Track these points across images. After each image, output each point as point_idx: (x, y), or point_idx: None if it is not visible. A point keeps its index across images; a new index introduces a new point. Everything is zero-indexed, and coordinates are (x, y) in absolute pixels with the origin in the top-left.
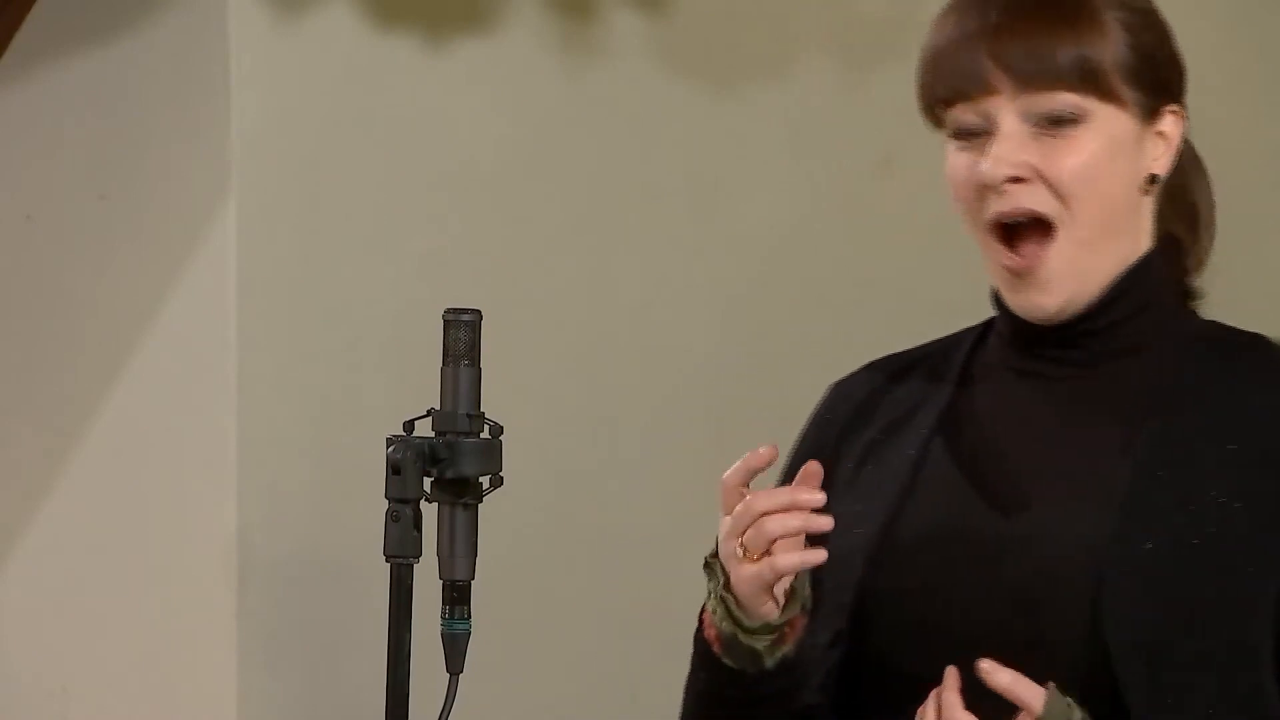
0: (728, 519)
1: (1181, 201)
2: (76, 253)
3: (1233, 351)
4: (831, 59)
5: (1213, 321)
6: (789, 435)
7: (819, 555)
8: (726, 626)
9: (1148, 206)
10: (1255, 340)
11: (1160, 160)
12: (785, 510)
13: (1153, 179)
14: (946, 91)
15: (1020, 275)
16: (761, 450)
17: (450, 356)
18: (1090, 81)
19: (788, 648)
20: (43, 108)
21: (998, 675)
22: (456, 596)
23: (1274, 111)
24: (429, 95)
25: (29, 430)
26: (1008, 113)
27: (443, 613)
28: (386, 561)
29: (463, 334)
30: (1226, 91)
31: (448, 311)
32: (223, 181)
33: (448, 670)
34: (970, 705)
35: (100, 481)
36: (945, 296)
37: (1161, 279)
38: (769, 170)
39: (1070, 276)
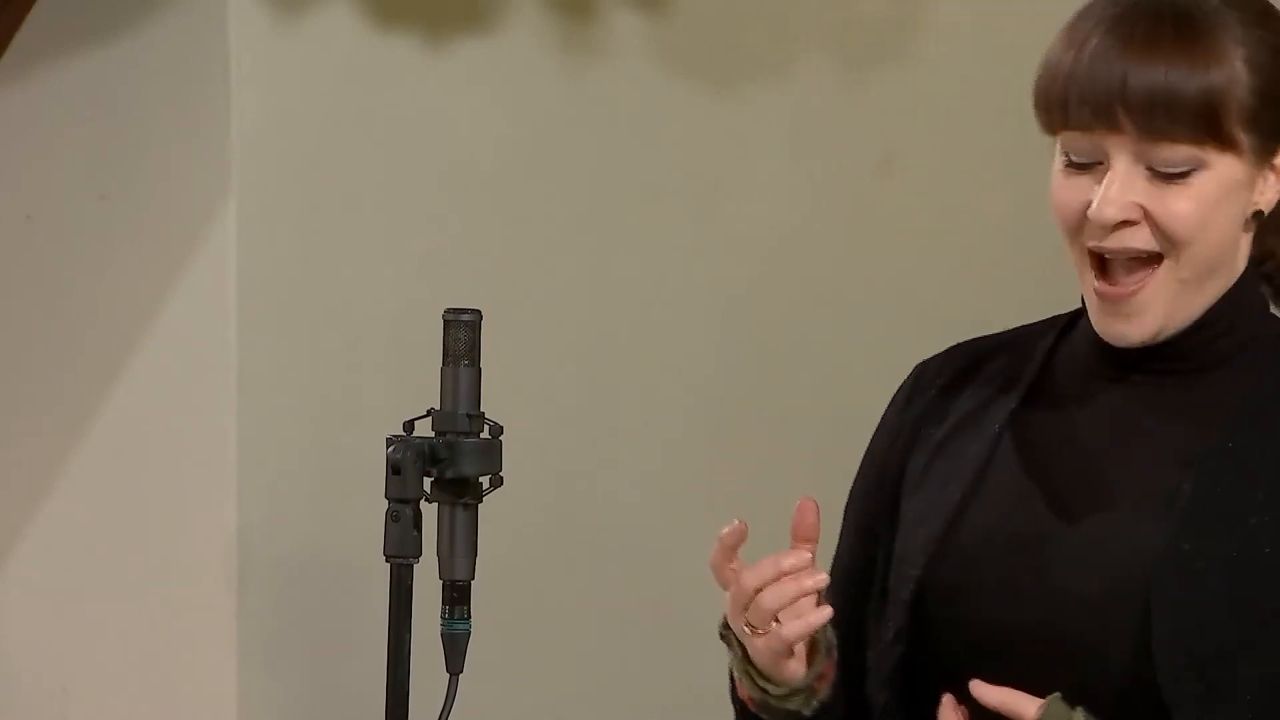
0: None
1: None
2: (76, 253)
3: None
4: (831, 59)
5: None
6: (789, 434)
7: (824, 614)
8: (756, 694)
9: (1249, 236)
10: None
11: (1266, 195)
12: (777, 580)
13: (1258, 214)
14: (1075, 117)
15: (1112, 301)
16: (727, 530)
17: (450, 356)
18: (1211, 129)
19: (823, 695)
20: (43, 108)
21: (989, 694)
22: (456, 596)
23: None
24: (429, 95)
25: (29, 430)
26: (1124, 154)
27: (443, 613)
28: (386, 561)
29: (463, 334)
30: None
31: (448, 311)
32: (223, 181)
33: (448, 670)
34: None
35: (100, 481)
36: (945, 296)
37: (1252, 301)
38: (769, 170)
39: (1163, 312)
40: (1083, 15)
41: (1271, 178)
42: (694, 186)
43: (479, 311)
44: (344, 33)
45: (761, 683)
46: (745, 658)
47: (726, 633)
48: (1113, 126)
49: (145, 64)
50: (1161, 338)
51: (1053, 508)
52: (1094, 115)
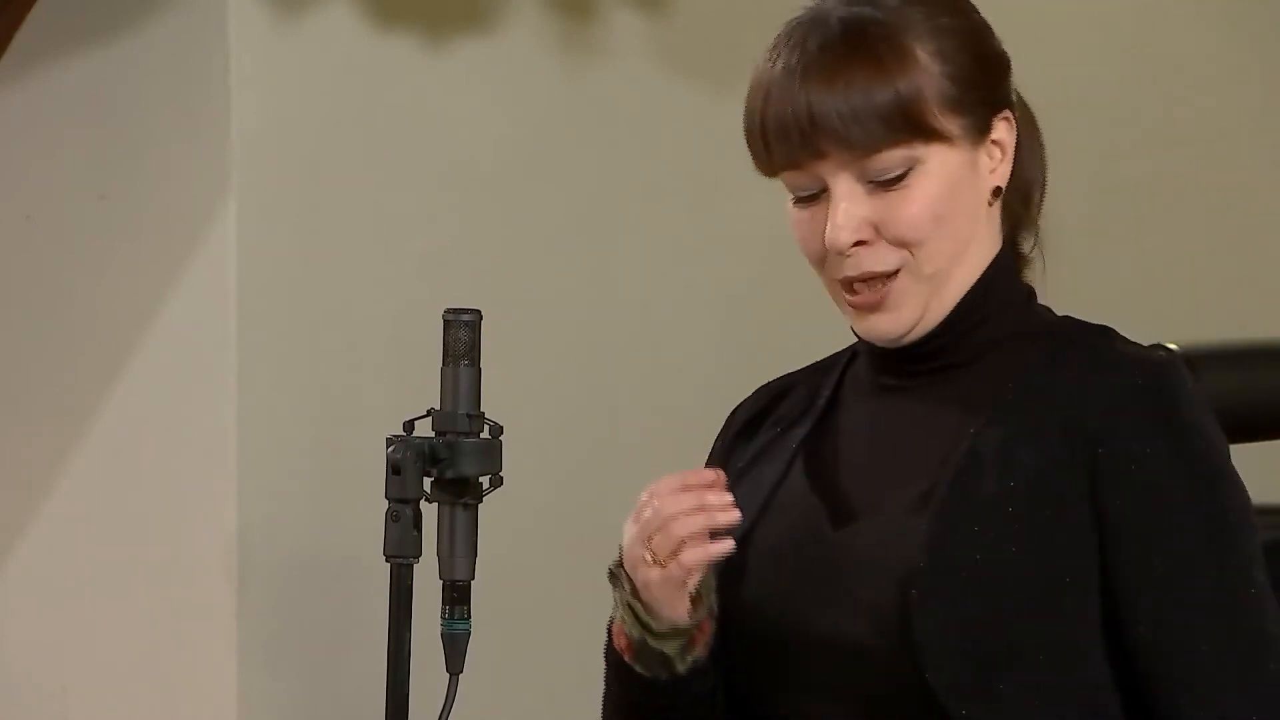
0: (633, 526)
1: (1012, 182)
2: (76, 253)
3: (1068, 348)
4: None
5: (1065, 317)
6: None
7: (725, 546)
8: (635, 633)
9: (994, 212)
10: (1097, 333)
11: (998, 170)
12: (691, 514)
13: (996, 190)
14: (777, 158)
15: (863, 309)
16: (715, 475)
17: (450, 356)
18: (912, 128)
19: (699, 651)
20: (43, 108)
21: None
22: (456, 596)
23: (1274, 111)
24: (429, 95)
25: (29, 430)
26: (839, 176)
27: (443, 613)
28: (386, 561)
29: (463, 334)
30: (1226, 91)
31: (448, 311)
32: (223, 181)
33: (448, 670)
34: (815, 709)
35: (100, 481)
36: None
37: (1011, 283)
38: None
39: (915, 307)
40: (767, 51)
41: (997, 152)
42: (694, 186)
43: (479, 311)
44: (344, 33)
45: (645, 618)
46: (633, 593)
47: (618, 569)
48: (816, 155)
49: (145, 64)
50: (922, 330)
51: (831, 517)
52: (793, 151)
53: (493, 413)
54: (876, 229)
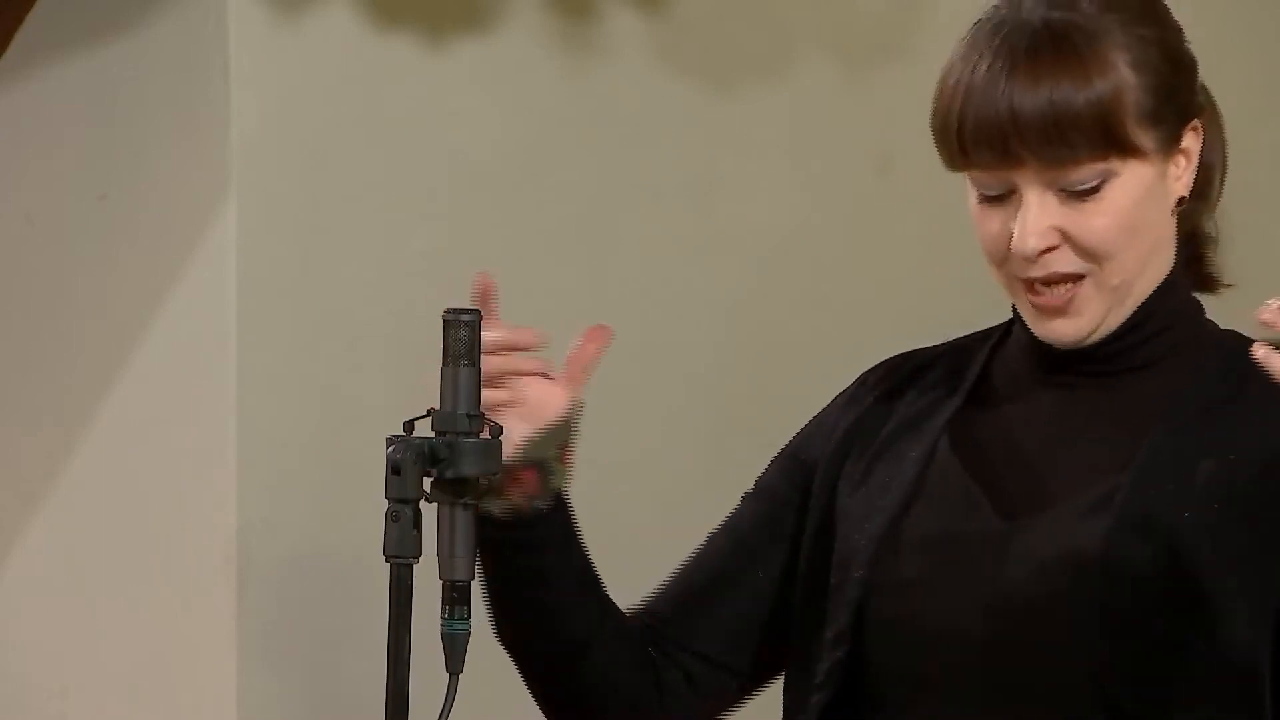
0: None
1: (1201, 172)
2: (76, 253)
3: (1246, 361)
4: (831, 59)
5: (1231, 330)
6: (789, 434)
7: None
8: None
9: (1174, 222)
10: None
11: (1183, 179)
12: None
13: (1180, 200)
14: (973, 157)
15: (1046, 311)
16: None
17: (450, 356)
18: (1110, 141)
19: (515, 500)
20: (43, 108)
21: None
22: (456, 596)
23: (1274, 111)
24: (429, 95)
25: (29, 430)
26: (1032, 183)
27: (442, 613)
28: (386, 561)
29: (463, 334)
30: (1226, 91)
31: (448, 311)
32: (223, 181)
33: (448, 670)
34: (964, 705)
35: (100, 481)
36: (945, 296)
37: (1184, 296)
38: (769, 170)
39: (1098, 315)
40: (964, 50)
41: (1183, 161)
42: (694, 186)
43: (479, 311)
44: (344, 33)
45: None
46: None
47: None
48: (1014, 161)
49: (145, 64)
50: (1097, 337)
51: (994, 508)
52: (992, 154)
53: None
54: (1064, 235)
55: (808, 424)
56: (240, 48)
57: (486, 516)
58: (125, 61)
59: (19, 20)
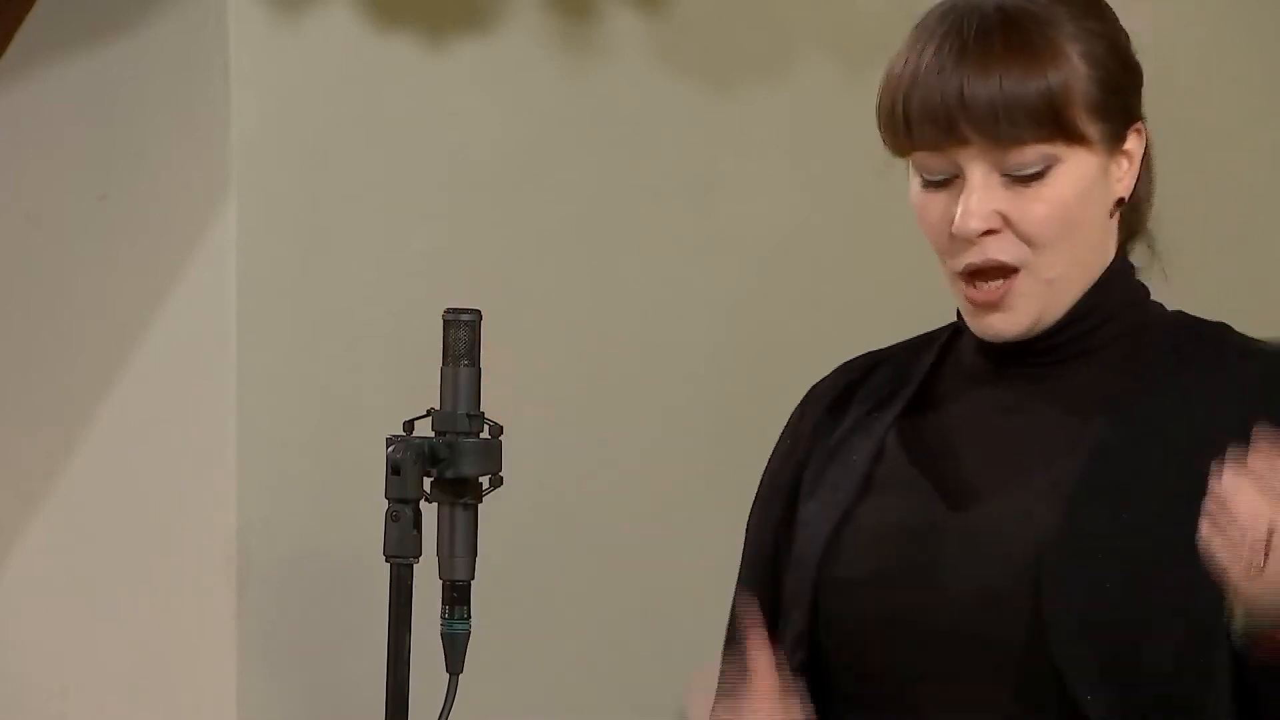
0: None
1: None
2: (76, 253)
3: (1191, 340)
4: (831, 59)
5: (1178, 312)
6: None
7: None
8: None
9: (1114, 222)
10: (1216, 329)
11: (1124, 181)
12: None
13: (1119, 201)
14: (918, 137)
15: (980, 306)
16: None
17: (450, 356)
18: (1057, 126)
19: None
20: (43, 108)
21: None
22: (456, 596)
23: (1274, 111)
24: (429, 95)
25: (29, 430)
26: (976, 164)
27: (443, 613)
28: (386, 561)
29: (463, 334)
30: (1226, 91)
31: (448, 311)
32: (223, 181)
33: (448, 670)
34: (921, 695)
35: (100, 481)
36: (945, 296)
37: (1127, 284)
38: (769, 170)
39: (1032, 309)
40: (914, 34)
41: (1125, 163)
42: (694, 186)
43: (479, 311)
44: (344, 33)
45: None
46: None
47: None
48: (959, 140)
49: (145, 64)
50: (1036, 331)
51: (942, 498)
52: (938, 133)
53: (493, 413)
54: (1006, 220)
55: (772, 454)
56: (240, 48)
57: None
58: (125, 61)
59: (19, 20)
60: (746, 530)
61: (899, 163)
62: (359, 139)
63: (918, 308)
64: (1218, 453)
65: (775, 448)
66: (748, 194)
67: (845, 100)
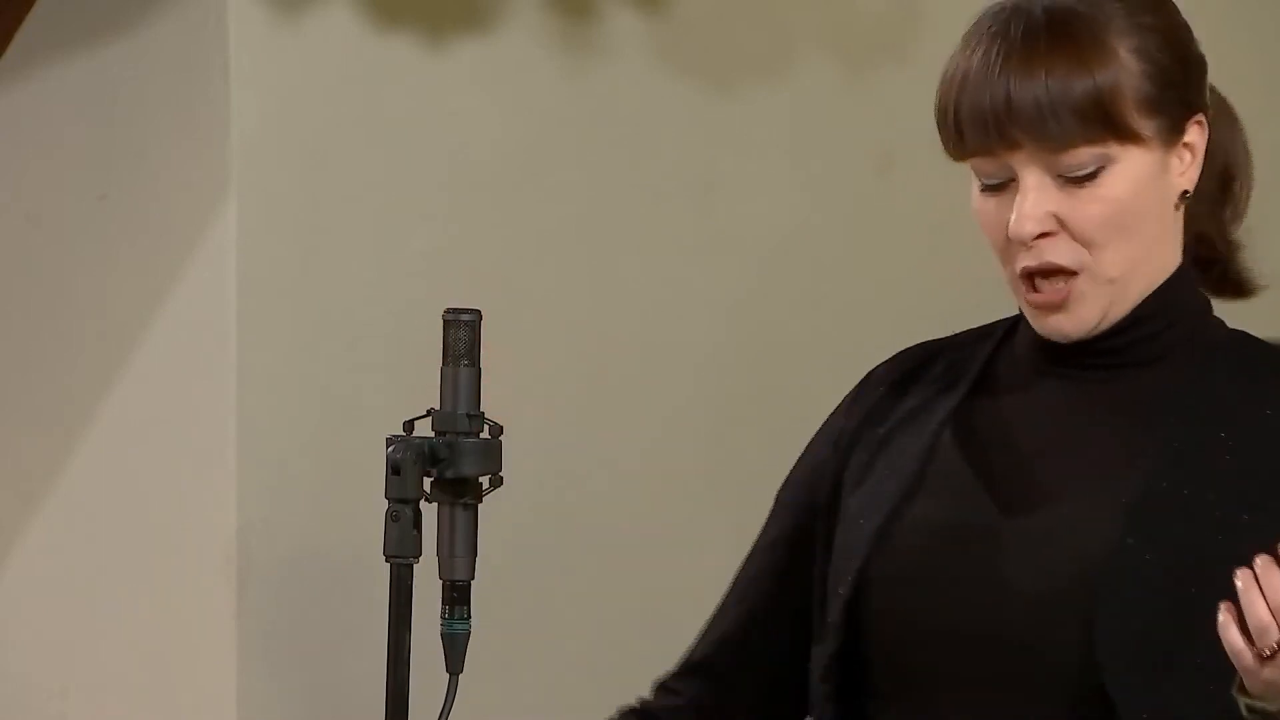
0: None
1: (1209, 172)
2: (76, 253)
3: (1257, 363)
4: (831, 59)
5: (1241, 331)
6: (789, 434)
7: None
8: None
9: (1179, 217)
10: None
11: (1187, 174)
12: None
13: (1184, 194)
14: (970, 143)
15: (1044, 308)
16: None
17: (450, 356)
18: (1107, 125)
19: None
20: (43, 108)
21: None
22: (456, 596)
23: (1274, 111)
24: (429, 95)
25: (29, 430)
26: (1030, 168)
27: (443, 613)
28: (386, 561)
29: (463, 334)
30: (1226, 91)
31: (448, 311)
32: (223, 181)
33: (448, 670)
34: (961, 700)
35: (100, 481)
36: (946, 295)
37: (1191, 291)
38: (769, 170)
39: (1096, 309)
40: (965, 37)
41: (1187, 155)
42: (694, 186)
43: (479, 311)
44: (344, 33)
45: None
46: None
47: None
48: (1010, 145)
49: (145, 64)
50: (1099, 330)
51: (995, 501)
52: (987, 139)
53: (493, 413)
54: (1061, 223)
55: (818, 433)
56: (240, 48)
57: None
58: (125, 61)
59: (19, 20)
60: (775, 505)
61: (899, 163)
62: (359, 139)
63: (918, 308)
64: (1263, 483)
65: (824, 424)
66: (748, 194)
67: (845, 100)
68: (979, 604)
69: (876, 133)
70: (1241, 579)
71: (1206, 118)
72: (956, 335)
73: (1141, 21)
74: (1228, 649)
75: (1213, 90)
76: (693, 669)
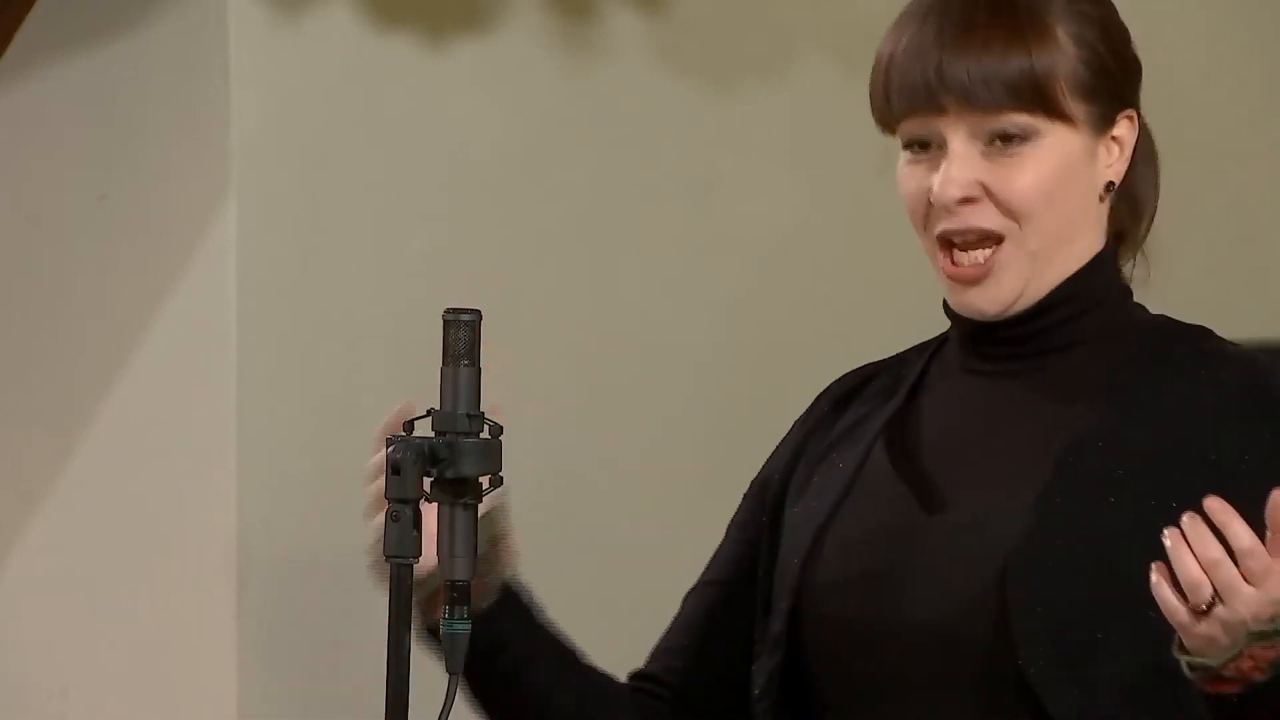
0: None
1: (1125, 193)
2: (76, 253)
3: (1172, 344)
4: (831, 59)
5: (1161, 315)
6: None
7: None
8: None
9: (1104, 209)
10: (1199, 332)
11: (1114, 166)
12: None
13: (1109, 186)
14: (897, 107)
15: (962, 281)
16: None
17: (450, 356)
18: (1039, 101)
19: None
20: (43, 108)
21: None
22: (456, 596)
23: (1274, 111)
24: (429, 95)
25: (29, 430)
26: (957, 131)
27: (443, 613)
28: (386, 561)
29: (463, 334)
30: (1226, 91)
31: (448, 311)
32: (223, 181)
33: (447, 670)
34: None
35: (100, 481)
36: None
37: (1110, 278)
38: (769, 170)
39: (1016, 283)
40: (901, 16)
41: (1115, 149)
42: (693, 186)
43: (479, 311)
44: (344, 33)
45: None
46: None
47: None
48: (936, 109)
49: (145, 64)
50: (1016, 309)
51: (920, 501)
52: (914, 100)
53: (493, 413)
54: (986, 190)
55: (764, 463)
56: (240, 48)
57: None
58: (125, 61)
59: (19, 20)
60: (729, 524)
61: (898, 163)
62: (359, 139)
63: (917, 308)
64: (1193, 462)
65: (782, 440)
66: (748, 194)
67: (845, 100)
68: (905, 605)
69: (876, 133)
70: (1170, 537)
71: (1137, 116)
72: (901, 353)
73: (1082, 9)
74: (1162, 607)
75: (1143, 123)
76: (642, 676)
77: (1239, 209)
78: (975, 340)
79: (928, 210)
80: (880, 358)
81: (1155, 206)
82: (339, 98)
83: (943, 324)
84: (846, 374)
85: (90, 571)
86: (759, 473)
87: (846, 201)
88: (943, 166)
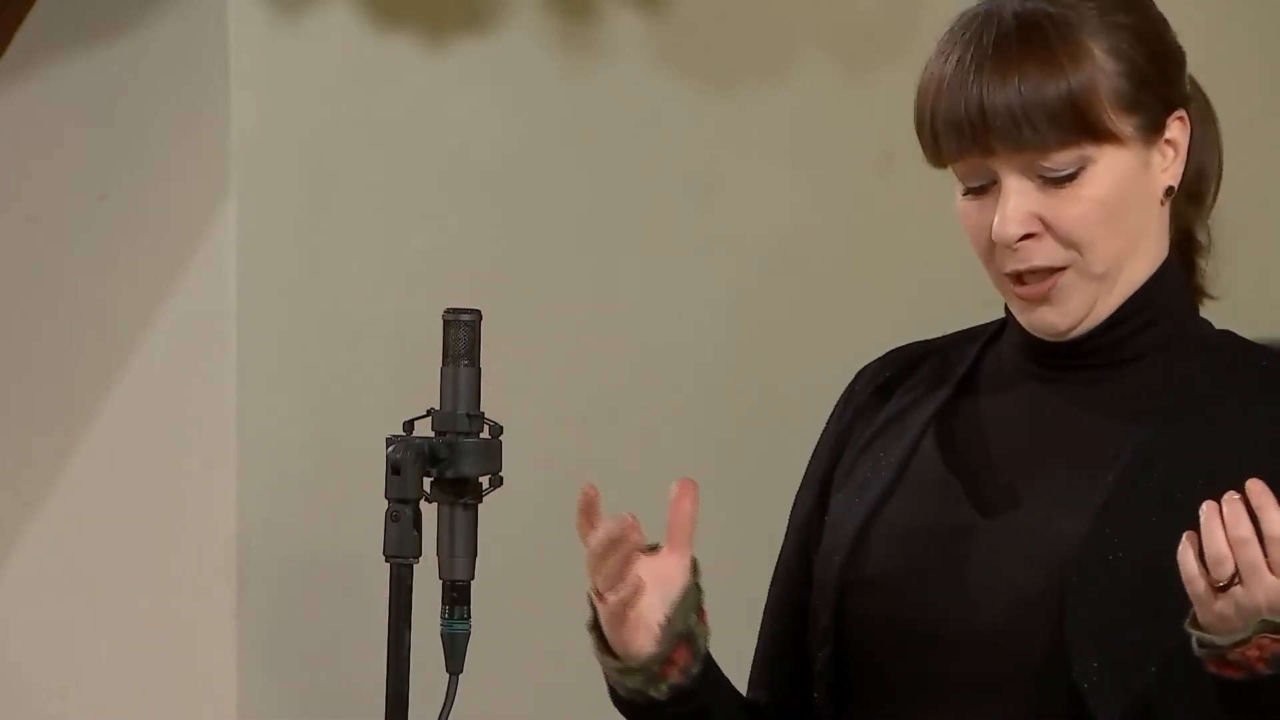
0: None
1: (1187, 175)
2: (76, 253)
3: (1240, 361)
4: (831, 59)
5: (1226, 330)
6: (789, 434)
7: (630, 586)
8: (608, 666)
9: (1165, 212)
10: (1266, 351)
11: (1170, 170)
12: (606, 551)
13: (1169, 190)
14: (946, 150)
15: (1032, 300)
16: (581, 498)
17: (450, 356)
18: (1083, 126)
19: (675, 680)
20: (43, 108)
21: None
22: (456, 596)
23: (1274, 111)
24: (429, 95)
25: (29, 430)
26: (1009, 171)
27: (443, 613)
28: (386, 561)
29: (463, 334)
30: (1226, 91)
31: (448, 311)
32: (223, 181)
33: (448, 670)
34: (941, 703)
35: (100, 481)
36: (946, 295)
37: (1177, 288)
38: (769, 170)
39: (1085, 301)
40: (939, 46)
41: (1170, 152)
42: (693, 186)
43: (479, 311)
44: (344, 33)
45: (604, 656)
46: (593, 623)
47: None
48: (986, 151)
49: (145, 64)
50: (1089, 325)
51: (972, 500)
52: (963, 145)
53: (493, 413)
54: (1045, 224)
55: (813, 453)
56: (240, 48)
57: (651, 702)
58: (125, 61)
59: (19, 20)
60: (790, 515)
61: (898, 163)
62: (359, 139)
63: (918, 307)
64: (1235, 484)
65: (820, 438)
66: (748, 194)
67: (845, 100)
68: (954, 605)
69: (876, 133)
70: (1206, 510)
71: (1188, 112)
72: (947, 336)
73: (1116, 20)
74: (1183, 575)
75: (1193, 83)
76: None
77: (1239, 209)
78: (1039, 350)
79: (991, 246)
80: (879, 357)
81: (1220, 171)
82: (339, 98)
83: (944, 325)
84: (890, 353)
85: (90, 571)
86: (809, 467)
87: (846, 201)
88: (999, 204)
